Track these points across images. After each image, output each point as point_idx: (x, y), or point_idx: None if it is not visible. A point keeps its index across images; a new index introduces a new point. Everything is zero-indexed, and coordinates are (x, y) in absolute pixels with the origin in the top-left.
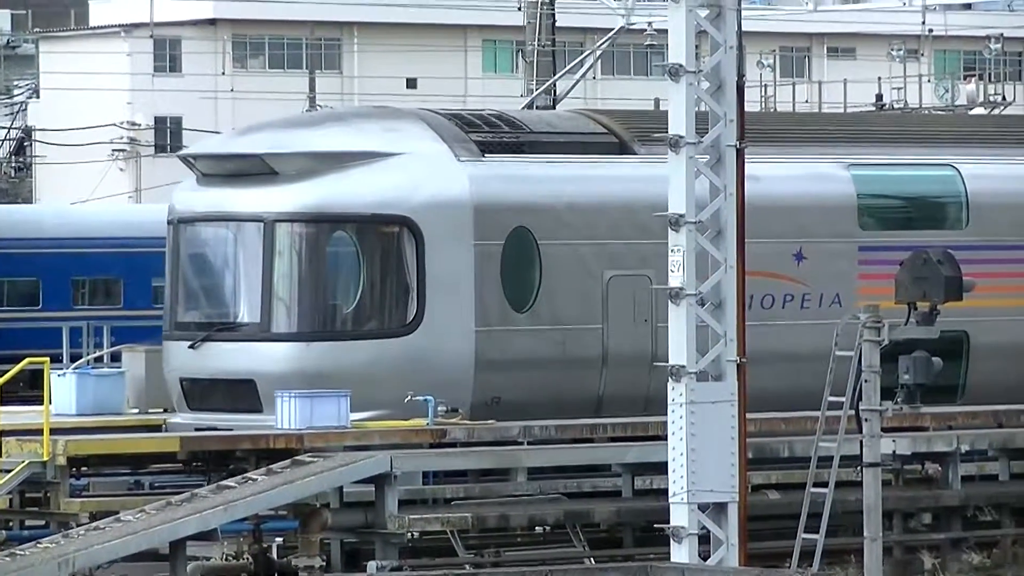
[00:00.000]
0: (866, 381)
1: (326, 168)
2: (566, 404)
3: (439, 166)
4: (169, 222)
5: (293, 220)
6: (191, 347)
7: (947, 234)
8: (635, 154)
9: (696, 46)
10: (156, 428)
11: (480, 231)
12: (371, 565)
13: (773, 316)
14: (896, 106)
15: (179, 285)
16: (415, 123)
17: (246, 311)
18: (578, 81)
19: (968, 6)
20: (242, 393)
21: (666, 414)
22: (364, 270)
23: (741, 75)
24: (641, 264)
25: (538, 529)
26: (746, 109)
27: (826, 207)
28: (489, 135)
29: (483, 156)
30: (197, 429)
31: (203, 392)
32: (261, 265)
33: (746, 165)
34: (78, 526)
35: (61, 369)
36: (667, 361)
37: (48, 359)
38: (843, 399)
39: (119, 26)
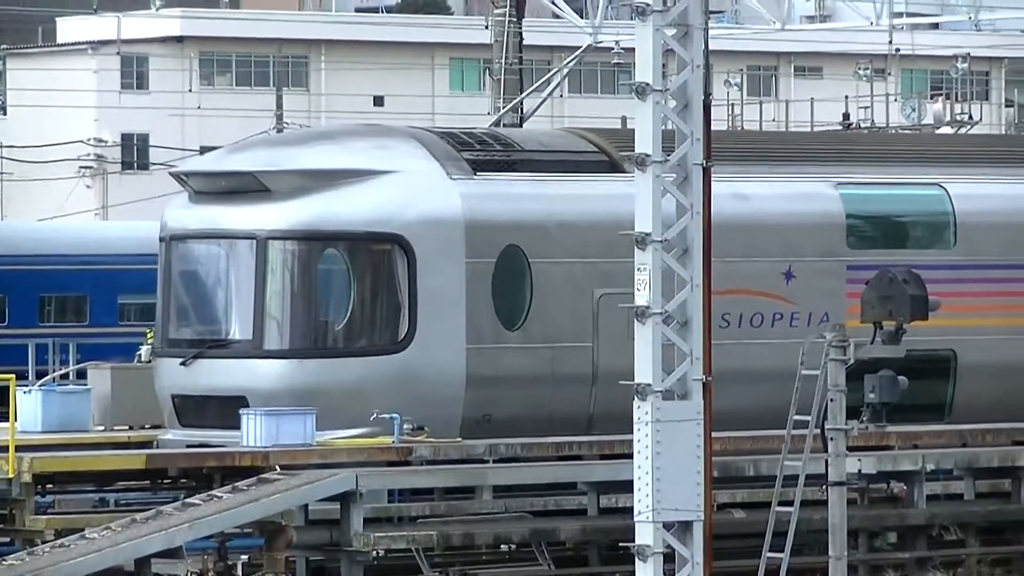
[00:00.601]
0: (831, 400)
1: (319, 186)
2: (557, 421)
3: (431, 184)
4: (161, 239)
5: (286, 237)
6: (183, 364)
7: (935, 253)
8: (625, 172)
9: (663, 65)
10: (122, 445)
11: (471, 249)
12: None
13: (762, 334)
14: (863, 125)
15: (171, 302)
16: (407, 141)
17: (238, 328)
18: (545, 99)
19: (935, 26)
20: (234, 410)
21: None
22: (356, 287)
23: (708, 94)
24: (631, 282)
25: (504, 547)
26: (717, 128)
27: (815, 226)
28: (480, 153)
29: (475, 174)
30: (189, 446)
31: (195, 409)
32: (254, 282)
33: (736, 184)
34: (43, 543)
35: (27, 386)
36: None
37: (13, 376)
38: (808, 418)
39: (86, 43)
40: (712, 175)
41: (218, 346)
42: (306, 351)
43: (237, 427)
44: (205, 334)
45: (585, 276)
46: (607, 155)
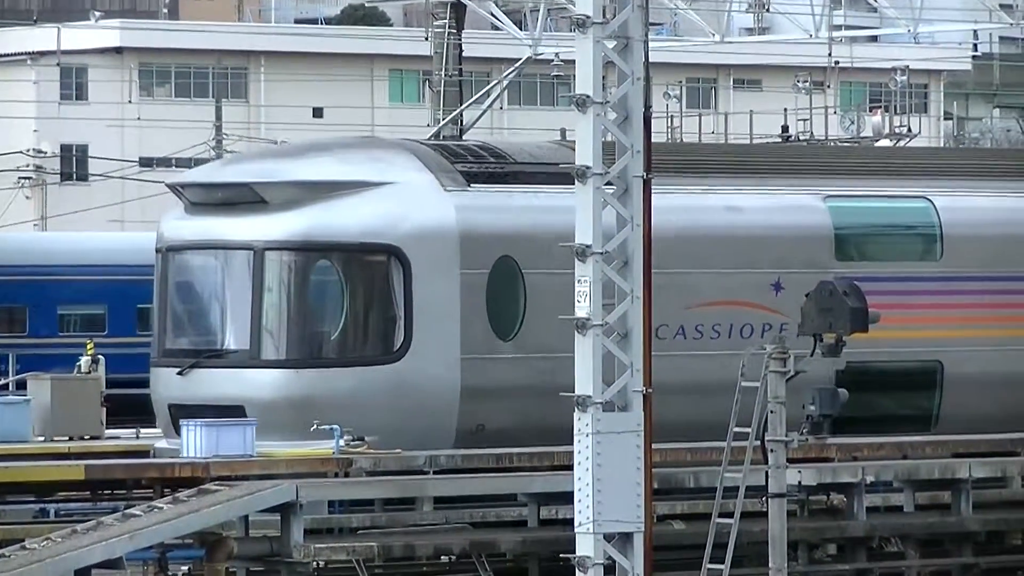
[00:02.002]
0: (772, 412)
1: (315, 197)
2: (550, 431)
3: (426, 196)
4: (157, 250)
5: (283, 248)
6: (180, 373)
7: (921, 265)
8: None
9: (603, 77)
10: (62, 456)
11: (466, 260)
12: None
13: (751, 346)
14: (802, 138)
15: (167, 312)
16: (401, 153)
17: (235, 338)
18: (485, 111)
19: (874, 38)
20: (231, 419)
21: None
22: (352, 298)
23: (648, 106)
24: None
25: (444, 559)
26: (679, 140)
27: (803, 238)
28: (474, 165)
29: (468, 186)
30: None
31: (191, 418)
32: (251, 292)
33: (726, 197)
34: None
35: None
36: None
37: None
38: (748, 430)
39: (26, 54)
40: (704, 188)
41: (215, 356)
42: (303, 361)
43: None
44: (202, 344)
45: None
46: None
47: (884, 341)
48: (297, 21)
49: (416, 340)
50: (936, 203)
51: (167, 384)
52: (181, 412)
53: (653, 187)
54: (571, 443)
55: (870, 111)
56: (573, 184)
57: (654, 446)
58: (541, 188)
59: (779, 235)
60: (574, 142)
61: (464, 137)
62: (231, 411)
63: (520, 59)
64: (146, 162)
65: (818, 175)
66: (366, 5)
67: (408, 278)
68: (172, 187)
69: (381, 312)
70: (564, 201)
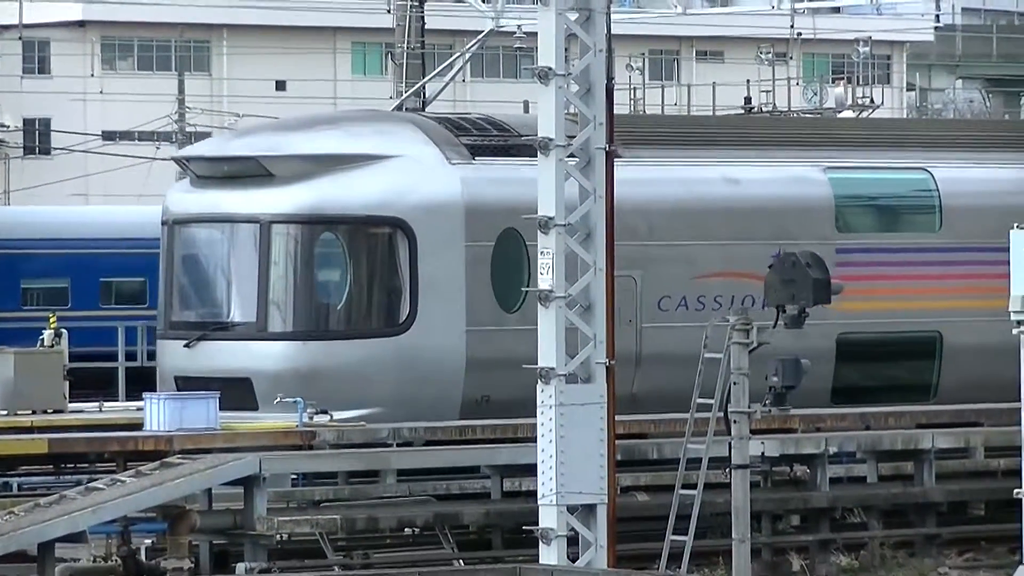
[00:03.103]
0: (735, 383)
1: (321, 170)
2: None
3: (431, 169)
4: (164, 223)
5: (289, 221)
6: (186, 346)
7: (921, 236)
8: (619, 157)
9: (566, 49)
10: (25, 430)
11: (471, 232)
12: (240, 567)
13: (754, 316)
14: (765, 109)
15: (174, 285)
16: (407, 127)
17: (242, 311)
18: (448, 83)
19: (836, 9)
20: (238, 391)
21: (648, 411)
22: (358, 270)
23: (610, 78)
24: (627, 265)
25: (407, 531)
26: (641, 112)
27: (804, 209)
28: (479, 138)
29: (473, 159)
30: None
31: (198, 390)
32: (257, 265)
33: (726, 168)
34: None
35: None
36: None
37: None
38: (712, 401)
39: None
40: (705, 160)
41: (221, 328)
42: (309, 333)
43: (240, 408)
44: (208, 317)
45: None
46: None
47: (884, 311)
48: None
49: (421, 312)
50: (935, 174)
51: (173, 356)
52: (187, 384)
53: (655, 159)
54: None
55: (833, 82)
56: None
57: (617, 418)
58: None
59: (780, 206)
60: (576, 115)
61: (428, 110)
62: (237, 383)
63: (483, 31)
64: (109, 135)
65: (818, 147)
66: None
67: (413, 251)
68: (178, 160)
69: (387, 284)
70: None
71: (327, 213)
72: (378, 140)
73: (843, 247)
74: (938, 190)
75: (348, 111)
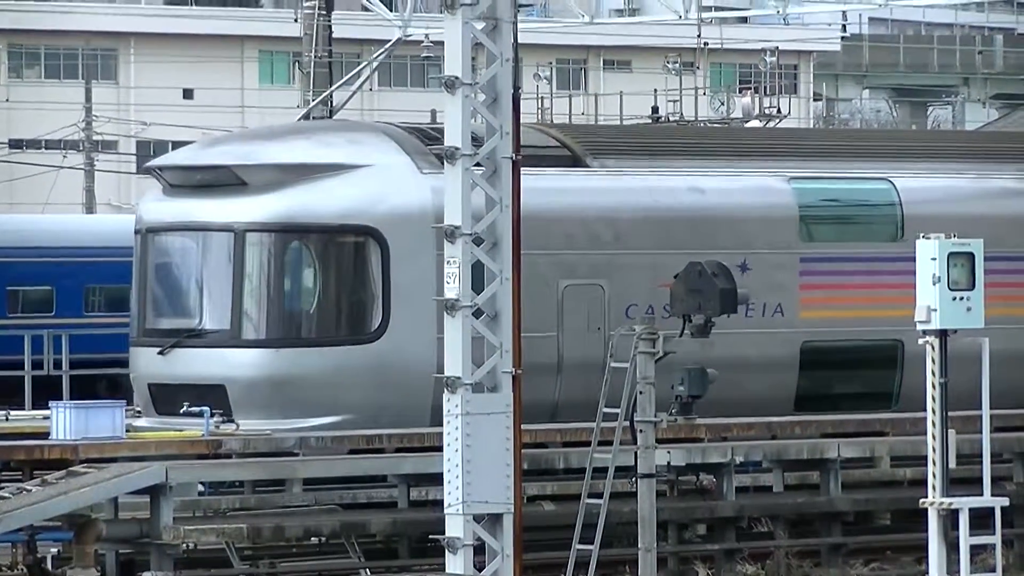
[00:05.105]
0: (641, 392)
1: (294, 179)
2: (523, 410)
3: (402, 178)
4: (137, 231)
5: (263, 230)
6: (160, 353)
7: (884, 245)
8: (587, 167)
9: (472, 58)
10: None
11: (442, 241)
12: None
13: (720, 325)
14: (672, 119)
15: (147, 293)
16: (378, 136)
17: (216, 318)
18: (355, 92)
19: (743, 19)
20: (212, 398)
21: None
22: (332, 278)
23: (517, 87)
24: (594, 274)
25: (314, 540)
26: (549, 122)
27: (769, 219)
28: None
29: (443, 168)
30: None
31: (172, 397)
32: (231, 273)
33: (692, 178)
34: None
35: None
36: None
37: None
38: (618, 410)
39: None
40: (670, 169)
41: (195, 336)
42: (282, 341)
43: (214, 415)
44: (183, 324)
45: (550, 268)
46: (570, 150)
47: (847, 320)
48: (167, 2)
49: (394, 320)
50: (897, 184)
51: (147, 364)
52: (161, 391)
53: (621, 169)
54: (549, 420)
55: (740, 92)
56: (548, 167)
57: (524, 427)
58: None
59: (745, 216)
60: (548, 125)
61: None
62: (211, 390)
63: (390, 40)
64: (16, 144)
65: (782, 157)
66: None
67: (386, 259)
68: (151, 169)
69: (359, 292)
70: (537, 183)
71: (300, 221)
72: (350, 149)
73: (807, 256)
74: (900, 200)
75: (320, 121)
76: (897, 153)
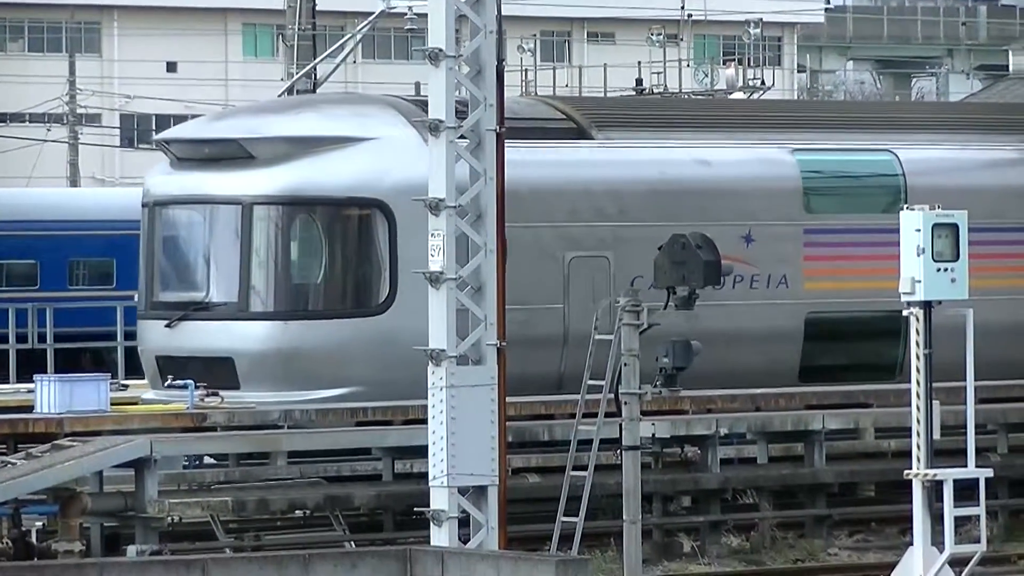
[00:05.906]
0: (626, 364)
1: (301, 152)
2: (529, 381)
3: (409, 150)
4: (144, 204)
5: (270, 203)
6: (168, 326)
7: (886, 217)
8: (593, 139)
9: (456, 30)
10: None
11: None
12: (131, 549)
13: (724, 296)
14: (656, 91)
15: (155, 266)
16: (385, 109)
17: (224, 291)
18: (339, 65)
19: None
20: (220, 371)
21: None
22: (339, 251)
23: (501, 60)
24: (600, 246)
25: (298, 513)
26: (533, 94)
27: (773, 191)
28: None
29: None
30: None
31: (179, 369)
32: (239, 246)
33: (697, 150)
34: None
35: None
36: None
37: None
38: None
39: None
40: (675, 141)
41: (203, 308)
42: (290, 313)
43: (222, 388)
44: (190, 297)
45: (556, 240)
46: (575, 122)
47: (850, 291)
48: None
49: (401, 292)
50: (900, 155)
51: (155, 336)
52: (168, 364)
53: (626, 141)
54: (554, 392)
55: (724, 64)
56: (553, 140)
57: (508, 399)
58: (519, 143)
59: (749, 188)
60: (555, 98)
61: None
62: (219, 363)
63: (374, 12)
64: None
65: (785, 129)
66: None
67: (393, 231)
68: (158, 142)
69: (367, 265)
70: (543, 156)
71: (308, 194)
72: (357, 122)
73: (811, 227)
74: (903, 171)
75: (328, 94)
76: (900, 125)
